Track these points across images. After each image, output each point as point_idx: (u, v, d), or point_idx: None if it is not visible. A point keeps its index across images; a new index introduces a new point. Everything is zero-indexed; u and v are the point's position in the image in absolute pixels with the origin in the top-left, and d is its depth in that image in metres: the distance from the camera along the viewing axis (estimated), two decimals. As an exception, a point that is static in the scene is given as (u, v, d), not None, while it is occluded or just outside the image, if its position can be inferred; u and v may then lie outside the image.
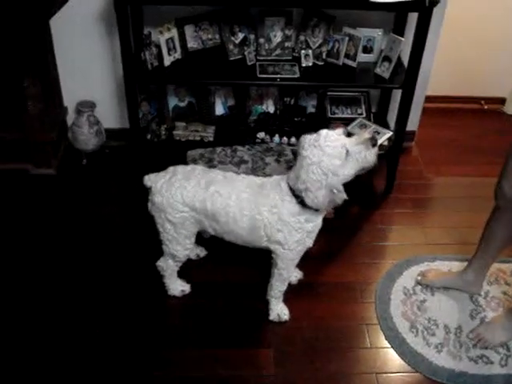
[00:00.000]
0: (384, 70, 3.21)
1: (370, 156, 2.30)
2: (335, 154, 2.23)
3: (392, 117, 3.60)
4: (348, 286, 2.96)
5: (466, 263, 2.86)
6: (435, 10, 2.91)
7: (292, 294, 2.83)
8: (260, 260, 2.80)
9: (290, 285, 2.80)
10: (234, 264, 3.02)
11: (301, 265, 2.99)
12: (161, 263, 2.77)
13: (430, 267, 3.05)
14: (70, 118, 3.71)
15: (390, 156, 3.43)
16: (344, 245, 3.21)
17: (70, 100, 3.68)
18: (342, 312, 2.83)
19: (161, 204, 2.50)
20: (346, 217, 3.37)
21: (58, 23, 3.38)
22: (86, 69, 3.55)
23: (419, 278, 2.97)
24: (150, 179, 2.58)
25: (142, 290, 2.89)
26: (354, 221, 3.38)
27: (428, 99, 3.87)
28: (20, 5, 2.96)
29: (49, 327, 2.69)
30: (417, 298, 2.88)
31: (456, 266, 3.02)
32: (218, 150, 3.22)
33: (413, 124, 3.80)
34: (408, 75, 3.13)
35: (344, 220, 3.35)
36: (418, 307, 2.84)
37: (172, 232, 2.57)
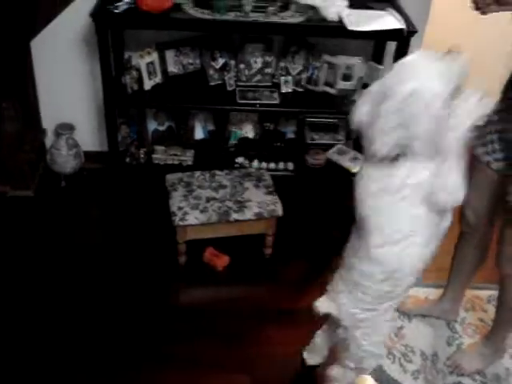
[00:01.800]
0: (363, 98, 3.25)
1: None
2: None
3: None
4: (327, 312, 2.96)
5: (442, 290, 2.88)
6: (413, 38, 2.97)
7: (270, 320, 2.83)
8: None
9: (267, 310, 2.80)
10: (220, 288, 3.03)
11: (278, 290, 3.01)
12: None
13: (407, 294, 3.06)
14: (49, 140, 3.69)
15: (368, 182, 3.44)
16: (321, 270, 3.19)
17: (49, 122, 3.66)
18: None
19: None
20: (323, 241, 3.38)
21: (39, 45, 3.38)
22: (66, 91, 3.55)
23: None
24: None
25: (118, 314, 2.85)
26: (331, 246, 3.37)
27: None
28: (1, 26, 2.96)
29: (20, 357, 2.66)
30: (394, 325, 2.88)
31: (433, 292, 3.02)
32: (197, 174, 3.22)
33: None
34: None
35: (322, 244, 3.36)
36: (395, 334, 2.83)
37: None
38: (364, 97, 1.86)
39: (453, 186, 1.84)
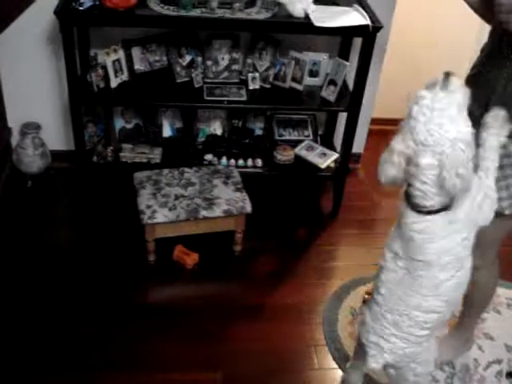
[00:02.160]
0: (330, 94, 3.27)
1: None
2: None
3: (338, 139, 3.64)
4: (295, 307, 2.96)
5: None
6: (379, 34, 2.99)
7: (240, 316, 2.84)
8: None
9: (238, 306, 2.80)
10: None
11: (248, 286, 3.01)
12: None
13: None
14: (15, 139, 3.63)
15: (336, 177, 3.47)
16: (291, 266, 3.22)
17: (14, 121, 3.61)
18: (290, 334, 2.83)
19: None
20: (292, 237, 3.40)
21: (3, 43, 3.32)
22: (31, 90, 3.50)
23: (366, 296, 2.99)
24: None
25: (86, 313, 2.83)
26: (300, 241, 3.40)
27: (374, 121, 3.93)
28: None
29: None
30: (361, 319, 2.90)
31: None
32: (165, 172, 3.21)
33: (359, 146, 3.86)
34: (353, 98, 3.20)
35: (291, 241, 3.38)
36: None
37: None
38: (389, 156, 1.78)
39: (492, 190, 1.86)
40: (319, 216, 3.60)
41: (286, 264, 3.22)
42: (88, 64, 3.19)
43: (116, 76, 3.18)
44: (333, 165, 3.47)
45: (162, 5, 2.94)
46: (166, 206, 2.97)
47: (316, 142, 3.61)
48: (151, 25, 3.04)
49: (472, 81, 2.05)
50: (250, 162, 3.39)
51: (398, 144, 1.75)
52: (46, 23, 3.25)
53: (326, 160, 3.45)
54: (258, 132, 3.61)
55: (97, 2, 2.87)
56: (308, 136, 3.63)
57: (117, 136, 3.50)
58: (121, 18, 2.89)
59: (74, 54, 2.97)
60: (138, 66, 3.29)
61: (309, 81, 3.37)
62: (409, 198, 1.82)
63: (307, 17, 2.96)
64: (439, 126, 1.64)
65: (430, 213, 1.78)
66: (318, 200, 3.70)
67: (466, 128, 1.67)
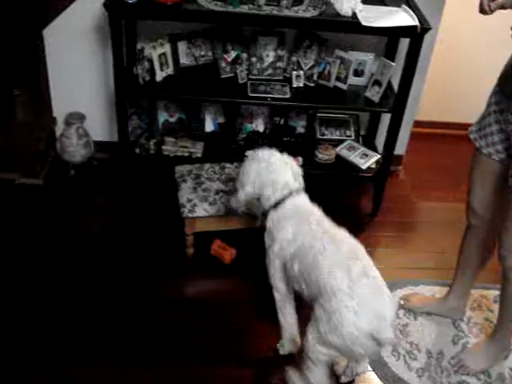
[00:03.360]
0: (374, 94, 3.24)
1: None
2: None
3: (380, 140, 3.62)
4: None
5: (448, 288, 2.88)
6: (426, 35, 2.96)
7: (274, 314, 2.83)
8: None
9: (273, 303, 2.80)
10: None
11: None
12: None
13: (413, 291, 3.06)
14: (59, 128, 3.69)
15: (377, 179, 3.45)
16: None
17: (59, 111, 3.66)
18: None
19: None
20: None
21: (52, 33, 3.38)
22: (78, 80, 3.55)
23: (402, 301, 2.97)
24: None
25: (123, 304, 2.87)
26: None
27: (417, 124, 3.89)
28: (13, 14, 2.97)
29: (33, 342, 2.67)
30: (399, 322, 2.88)
31: (439, 290, 3.03)
32: (206, 166, 3.22)
33: (401, 148, 3.82)
34: (397, 100, 3.16)
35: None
36: (400, 331, 2.84)
37: None
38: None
39: None
40: (358, 217, 3.58)
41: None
42: (134, 57, 3.22)
43: (161, 69, 3.20)
44: (374, 166, 3.44)
45: (209, 0, 2.96)
46: (206, 200, 2.98)
47: (358, 142, 3.59)
48: (198, 20, 3.06)
49: (505, 76, 2.27)
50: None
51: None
52: (95, 15, 3.29)
53: (367, 161, 3.42)
54: (300, 130, 3.60)
55: (146, -4, 2.90)
56: (350, 136, 3.61)
57: (160, 129, 3.52)
58: (169, 12, 2.91)
59: (121, 46, 3.00)
60: (184, 61, 3.31)
61: (353, 80, 3.34)
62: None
63: (355, 16, 2.94)
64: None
65: None
66: (357, 200, 3.68)
67: None
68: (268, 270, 2.56)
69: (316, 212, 2.52)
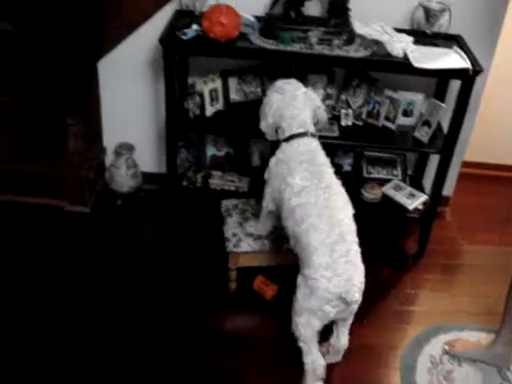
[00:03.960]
0: (423, 134, 3.22)
1: None
2: None
3: (427, 180, 3.59)
4: (373, 349, 2.92)
5: (494, 334, 2.81)
6: (477, 76, 2.94)
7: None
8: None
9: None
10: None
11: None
12: None
13: (458, 337, 2.99)
14: (109, 158, 3.77)
15: (423, 220, 3.41)
16: (371, 305, 3.15)
17: (110, 141, 3.75)
18: (365, 376, 2.78)
19: None
20: (374, 277, 3.34)
21: (106, 65, 3.47)
22: (129, 112, 3.63)
23: (447, 347, 2.91)
24: None
25: (166, 333, 2.89)
26: (382, 282, 3.34)
27: (465, 164, 3.85)
28: (71, 45, 3.05)
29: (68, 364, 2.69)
30: (444, 368, 2.82)
31: (485, 337, 2.95)
32: (252, 201, 3.24)
33: (448, 188, 3.77)
34: (447, 141, 3.14)
35: (372, 280, 3.31)
36: (444, 377, 2.78)
37: None
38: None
39: None
40: (402, 257, 3.54)
41: (366, 303, 3.13)
42: (185, 91, 3.28)
43: (212, 105, 3.24)
44: (421, 206, 3.41)
45: (262, 38, 3.00)
46: (251, 235, 2.99)
47: (405, 181, 3.56)
48: (250, 57, 3.10)
49: None
50: (336, 198, 3.37)
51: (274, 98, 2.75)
52: (149, 49, 3.36)
53: (414, 201, 3.38)
54: (347, 168, 3.60)
55: (200, 33, 2.95)
56: (397, 175, 3.58)
57: (207, 163, 3.56)
58: (222, 49, 2.95)
59: (173, 80, 3.06)
60: (234, 96, 3.35)
61: (402, 120, 3.33)
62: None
63: (406, 57, 2.94)
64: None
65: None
66: (402, 241, 3.64)
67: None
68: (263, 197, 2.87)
69: (325, 163, 2.71)
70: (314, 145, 2.72)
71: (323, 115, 2.88)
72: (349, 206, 2.64)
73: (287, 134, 2.72)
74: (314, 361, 2.56)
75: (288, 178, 2.63)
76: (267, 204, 2.85)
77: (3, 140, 3.52)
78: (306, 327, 2.51)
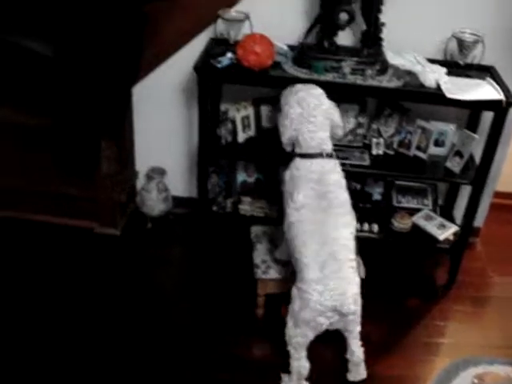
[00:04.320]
0: (455, 165, 3.21)
1: None
2: None
3: (458, 210, 3.57)
4: (401, 380, 2.89)
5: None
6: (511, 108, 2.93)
7: (342, 381, 2.79)
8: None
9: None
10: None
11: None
12: None
13: (487, 370, 2.95)
14: (140, 182, 3.81)
15: (453, 251, 3.38)
16: (399, 336, 3.14)
17: (142, 164, 3.80)
18: (394, 407, 2.76)
19: None
20: (402, 307, 3.33)
21: (140, 90, 3.53)
22: (161, 136, 3.67)
23: (476, 380, 2.87)
24: None
25: (192, 358, 2.89)
26: (410, 312, 3.31)
27: (496, 194, 3.82)
28: (108, 71, 3.11)
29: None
30: (473, 402, 2.79)
31: (514, 371, 2.92)
32: (281, 228, 3.24)
33: (479, 219, 3.74)
34: (479, 172, 3.13)
35: (401, 310, 3.30)
36: (473, 412, 2.74)
37: None
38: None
39: None
40: (432, 288, 3.50)
41: (394, 334, 3.15)
42: (218, 118, 3.31)
43: (244, 131, 3.27)
44: (451, 237, 3.38)
45: (295, 67, 3.03)
46: (280, 262, 3.00)
47: (435, 211, 3.54)
48: (284, 86, 3.12)
49: None
50: (365, 227, 3.36)
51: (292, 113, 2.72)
52: (183, 75, 3.41)
53: (444, 232, 3.36)
54: (377, 197, 3.59)
55: (234, 61, 2.99)
56: (427, 205, 3.56)
57: (238, 188, 3.59)
58: (256, 78, 2.99)
59: (207, 107, 3.10)
60: (265, 123, 3.37)
61: (433, 150, 3.31)
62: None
63: (439, 87, 2.95)
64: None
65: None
66: (431, 271, 3.61)
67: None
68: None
69: (336, 183, 2.72)
70: (328, 166, 2.73)
71: (339, 134, 2.87)
72: (350, 226, 2.69)
73: (303, 151, 2.74)
74: (300, 365, 2.69)
75: (293, 193, 2.68)
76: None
77: (38, 161, 3.59)
78: (298, 336, 2.63)
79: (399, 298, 3.38)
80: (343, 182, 2.75)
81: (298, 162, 2.75)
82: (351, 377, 2.79)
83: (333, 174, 2.73)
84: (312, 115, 2.72)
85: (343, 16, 2.93)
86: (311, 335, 2.62)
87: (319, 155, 2.71)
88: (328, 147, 2.74)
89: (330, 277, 2.51)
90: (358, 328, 2.73)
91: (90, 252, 3.52)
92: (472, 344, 3.13)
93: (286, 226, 2.74)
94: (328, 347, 2.90)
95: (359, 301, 2.60)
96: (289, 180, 2.77)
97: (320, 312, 2.52)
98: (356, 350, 2.77)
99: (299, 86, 2.81)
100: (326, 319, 2.55)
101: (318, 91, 2.79)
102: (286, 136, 2.78)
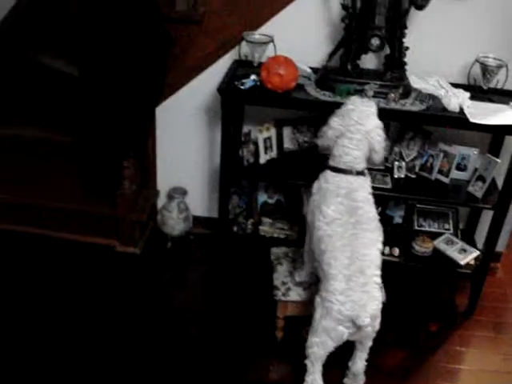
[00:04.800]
0: (477, 189, 3.19)
1: None
2: None
3: (480, 235, 3.54)
4: (420, 407, 2.87)
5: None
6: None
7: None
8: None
9: None
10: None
11: (372, 379, 2.91)
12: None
13: None
14: (161, 201, 3.83)
15: (475, 276, 3.35)
16: (418, 362, 3.11)
17: (163, 184, 3.82)
18: None
19: None
20: (422, 332, 3.29)
21: (164, 110, 3.57)
22: (183, 156, 3.70)
23: (497, 409, 2.84)
24: None
25: (209, 381, 2.88)
26: (431, 338, 3.28)
27: (518, 221, 3.79)
28: (133, 91, 3.14)
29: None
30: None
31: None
32: (302, 250, 3.23)
33: (501, 244, 3.70)
34: (502, 197, 3.11)
35: (420, 335, 3.27)
36: None
37: None
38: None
39: None
40: (452, 313, 3.47)
41: (413, 359, 3.12)
42: (240, 139, 3.33)
43: (265, 153, 3.28)
44: (472, 262, 3.35)
45: (318, 90, 3.04)
46: (300, 284, 2.99)
47: (456, 236, 3.51)
48: (306, 108, 3.15)
49: None
50: (386, 250, 3.33)
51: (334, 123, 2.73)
52: (206, 96, 3.45)
53: (465, 256, 3.34)
54: (397, 220, 3.57)
55: (258, 83, 3.01)
56: (448, 229, 3.54)
57: (258, 209, 3.59)
58: (279, 100, 3.00)
59: (229, 129, 3.12)
60: (287, 145, 3.38)
61: (456, 174, 3.30)
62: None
63: (462, 112, 2.95)
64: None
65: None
66: (452, 296, 3.58)
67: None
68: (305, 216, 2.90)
69: (364, 200, 2.71)
70: (356, 183, 2.71)
71: (375, 160, 2.81)
72: (378, 243, 2.67)
73: (335, 165, 2.72)
74: (314, 379, 2.72)
75: (322, 206, 2.67)
76: (308, 237, 2.90)
77: (60, 178, 3.64)
78: (320, 346, 2.64)
79: (419, 323, 3.35)
80: (371, 198, 2.74)
81: (328, 174, 2.74)
82: (348, 382, 2.88)
83: (361, 191, 2.71)
84: (350, 131, 2.68)
85: (375, 41, 2.95)
86: (331, 345, 2.62)
87: (349, 172, 2.70)
88: (360, 166, 2.72)
89: (355, 289, 2.51)
90: (370, 343, 2.76)
91: (110, 270, 3.54)
92: (492, 371, 3.10)
93: (314, 239, 2.72)
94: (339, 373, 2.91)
95: (378, 317, 2.59)
96: (317, 191, 2.77)
97: (340, 321, 2.54)
98: (359, 362, 2.81)
99: (353, 99, 2.79)
100: (346, 329, 2.56)
101: (369, 110, 2.74)
102: (321, 143, 2.82)
